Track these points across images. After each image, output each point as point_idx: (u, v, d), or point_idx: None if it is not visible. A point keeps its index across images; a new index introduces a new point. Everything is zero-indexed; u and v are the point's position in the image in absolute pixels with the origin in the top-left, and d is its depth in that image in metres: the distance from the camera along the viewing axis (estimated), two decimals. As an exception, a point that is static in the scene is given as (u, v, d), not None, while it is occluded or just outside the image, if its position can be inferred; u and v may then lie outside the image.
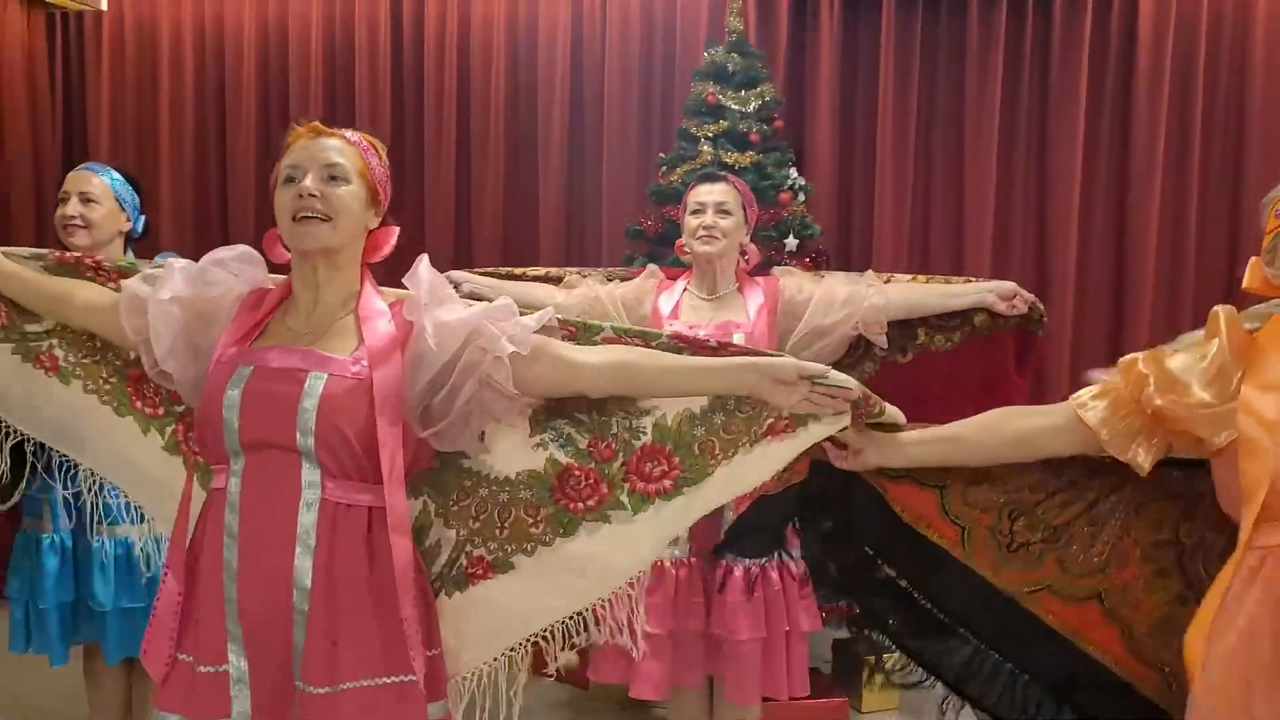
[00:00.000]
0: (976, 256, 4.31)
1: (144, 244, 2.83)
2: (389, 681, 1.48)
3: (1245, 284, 1.69)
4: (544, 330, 1.58)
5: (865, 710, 3.67)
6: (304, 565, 1.48)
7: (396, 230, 1.70)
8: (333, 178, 1.55)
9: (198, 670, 1.52)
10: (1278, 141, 4.17)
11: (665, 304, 2.78)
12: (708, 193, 2.71)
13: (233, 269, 1.67)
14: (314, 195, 1.52)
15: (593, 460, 1.62)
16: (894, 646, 1.83)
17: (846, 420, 1.57)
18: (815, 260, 3.78)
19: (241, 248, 1.68)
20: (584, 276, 3.06)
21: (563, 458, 1.63)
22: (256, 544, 1.50)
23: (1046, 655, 1.71)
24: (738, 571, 2.55)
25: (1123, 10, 4.28)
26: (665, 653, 2.54)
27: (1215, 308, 1.61)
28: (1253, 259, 1.64)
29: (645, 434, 1.62)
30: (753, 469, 1.59)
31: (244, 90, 4.94)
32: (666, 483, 1.60)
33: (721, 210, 2.69)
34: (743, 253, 2.83)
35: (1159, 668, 1.65)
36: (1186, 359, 1.57)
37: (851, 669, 3.69)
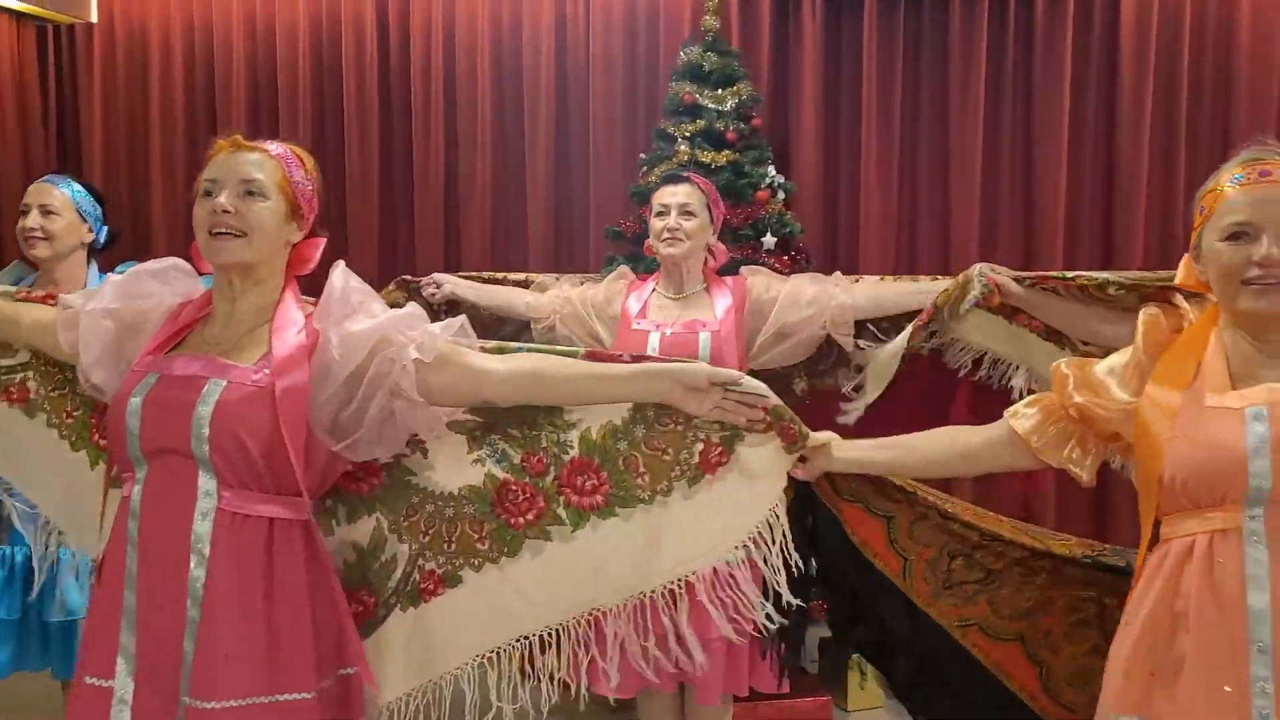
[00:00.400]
0: (963, 252, 4.27)
1: (117, 254, 2.85)
2: (282, 699, 1.47)
3: (1178, 280, 1.68)
4: (457, 339, 1.59)
5: (852, 709, 3.66)
6: (198, 575, 1.48)
7: (322, 242, 1.70)
8: (249, 193, 1.56)
9: (84, 680, 1.52)
10: (1265, 128, 4.11)
11: (634, 304, 2.79)
12: (671, 194, 2.72)
13: (165, 280, 1.68)
14: (228, 211, 1.53)
15: (527, 475, 1.66)
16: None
17: (782, 458, 1.62)
18: (794, 259, 3.77)
19: (173, 260, 1.70)
20: (556, 279, 3.08)
21: (499, 473, 1.66)
22: (153, 552, 1.50)
23: (974, 683, 1.78)
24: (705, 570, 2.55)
25: (1105, 1, 4.25)
26: None
27: (1144, 307, 1.60)
28: (1185, 256, 1.63)
29: (573, 448, 1.65)
30: (700, 527, 1.62)
31: (234, 99, 4.98)
32: (598, 498, 1.63)
33: (685, 212, 2.70)
34: (711, 252, 2.83)
35: (1070, 710, 1.74)
36: (1114, 360, 1.58)
37: (838, 668, 3.67)
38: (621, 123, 4.59)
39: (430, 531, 1.67)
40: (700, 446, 1.61)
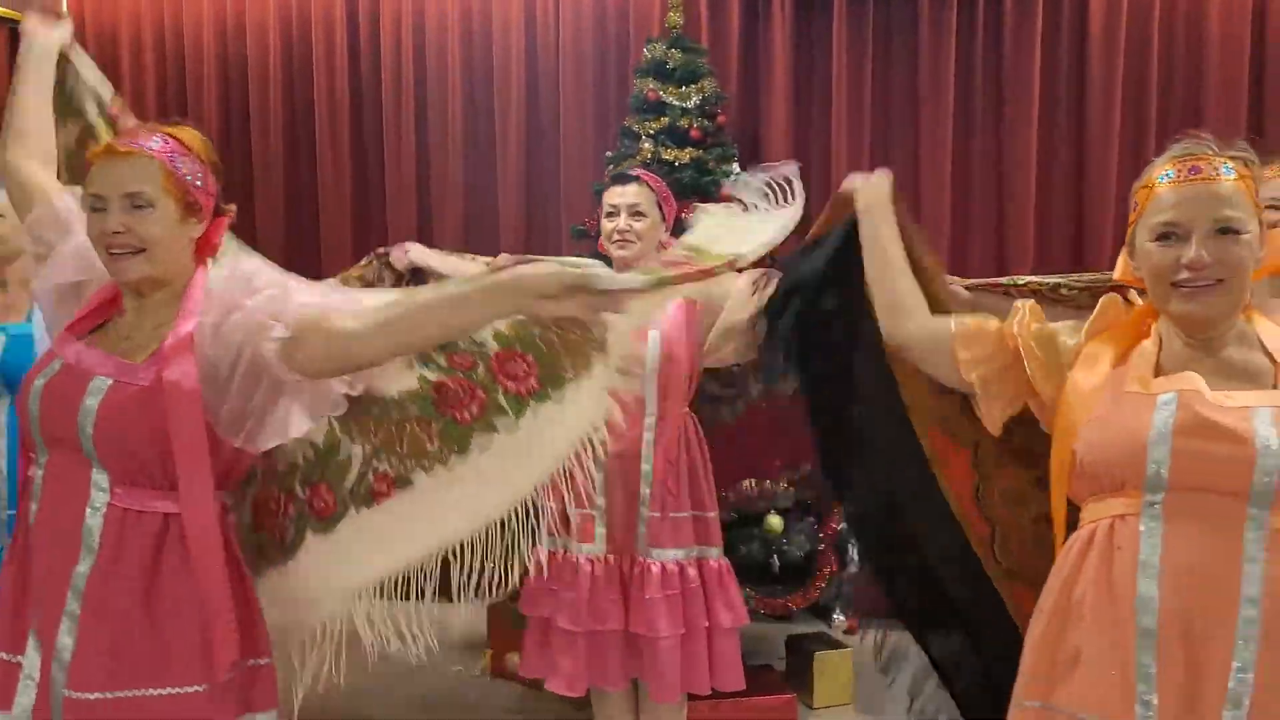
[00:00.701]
0: (934, 246, 4.25)
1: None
2: (166, 693, 1.45)
3: (1116, 275, 1.66)
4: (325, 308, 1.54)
5: (817, 706, 3.65)
6: (82, 570, 1.47)
7: (225, 221, 1.65)
8: (136, 206, 1.51)
9: None
10: (1235, 121, 4.10)
11: None
12: (620, 195, 2.70)
13: None
14: (119, 231, 1.50)
15: (458, 370, 1.67)
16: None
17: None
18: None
19: None
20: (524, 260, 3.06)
21: (431, 375, 1.67)
22: (46, 539, 1.50)
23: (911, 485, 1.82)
24: (655, 568, 2.55)
25: (1075, -9, 4.23)
26: (580, 650, 2.54)
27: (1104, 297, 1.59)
28: (1123, 251, 1.60)
29: (490, 342, 1.66)
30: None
31: (205, 94, 4.99)
32: (532, 381, 1.64)
33: (635, 213, 2.67)
34: (664, 247, 2.81)
35: (991, 523, 1.74)
36: (1072, 324, 1.58)
37: (804, 666, 3.67)
38: (593, 120, 4.59)
39: (379, 433, 1.67)
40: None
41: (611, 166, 3.93)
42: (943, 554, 1.80)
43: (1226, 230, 1.38)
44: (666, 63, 3.89)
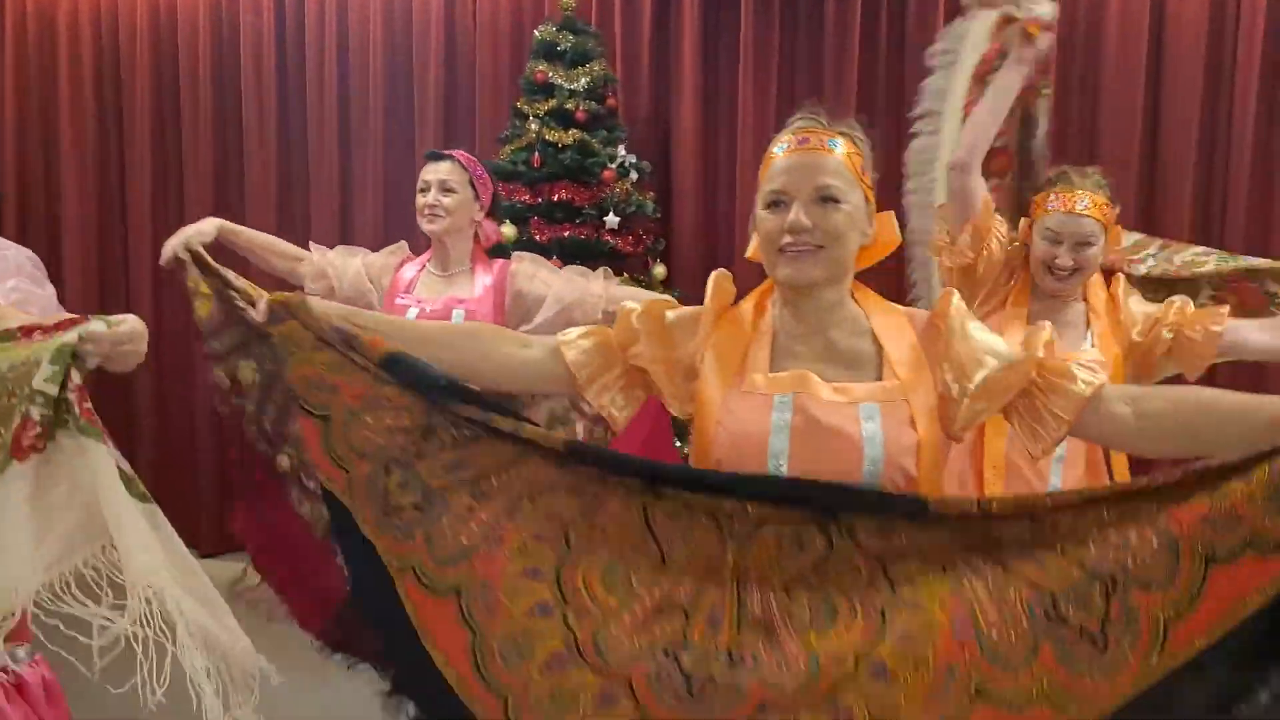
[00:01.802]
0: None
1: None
2: None
3: (749, 253, 1.58)
4: None
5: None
6: None
7: None
8: None
9: None
10: (1129, 135, 4.04)
11: (407, 274, 2.79)
12: (432, 171, 2.73)
13: None
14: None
15: None
16: None
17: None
18: (641, 238, 3.77)
19: None
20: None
21: None
22: None
23: (402, 652, 1.38)
24: None
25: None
26: None
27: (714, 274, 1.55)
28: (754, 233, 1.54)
29: None
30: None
31: (138, 83, 5.09)
32: None
33: (445, 189, 2.70)
34: (480, 231, 2.82)
35: (501, 696, 1.29)
36: (685, 311, 1.52)
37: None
38: (508, 102, 4.60)
39: None
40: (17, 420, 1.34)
41: (508, 148, 3.96)
42: None
43: (828, 198, 1.39)
44: (558, 44, 3.91)
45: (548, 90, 3.87)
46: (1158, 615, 1.15)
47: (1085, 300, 2.33)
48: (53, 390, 1.35)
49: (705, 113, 4.43)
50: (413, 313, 2.65)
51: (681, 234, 4.33)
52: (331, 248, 2.85)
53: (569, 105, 3.82)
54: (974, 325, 1.42)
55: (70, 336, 1.38)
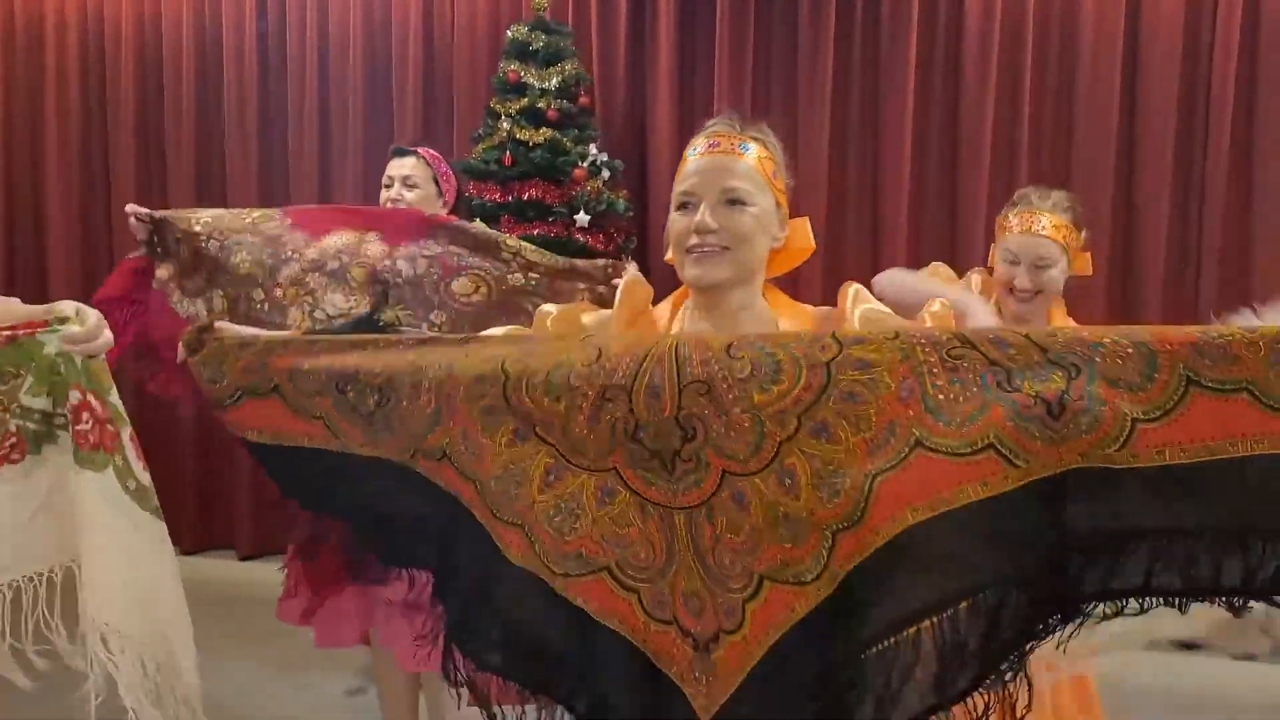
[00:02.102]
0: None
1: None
2: None
3: (667, 257, 1.61)
4: None
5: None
6: None
7: None
8: None
9: None
10: (1105, 127, 4.05)
11: None
12: (396, 167, 2.76)
13: None
14: None
15: None
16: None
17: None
18: (611, 236, 3.78)
19: None
20: None
21: None
22: None
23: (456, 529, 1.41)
24: None
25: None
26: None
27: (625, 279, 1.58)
28: None
29: None
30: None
31: (123, 83, 5.14)
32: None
33: (408, 184, 2.73)
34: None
35: (519, 525, 1.36)
36: (601, 315, 1.55)
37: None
38: (484, 101, 4.62)
39: None
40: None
41: (479, 147, 3.98)
42: None
43: (735, 201, 1.41)
44: (530, 44, 3.93)
45: (520, 89, 3.90)
46: (1124, 411, 1.12)
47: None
48: (41, 405, 1.43)
49: (681, 111, 4.44)
50: None
51: (657, 231, 4.33)
52: None
53: (541, 104, 3.84)
54: (867, 307, 1.42)
55: (50, 349, 1.44)
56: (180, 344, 1.58)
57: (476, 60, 4.63)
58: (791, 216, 1.52)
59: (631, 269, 2.48)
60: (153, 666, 1.41)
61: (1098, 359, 1.14)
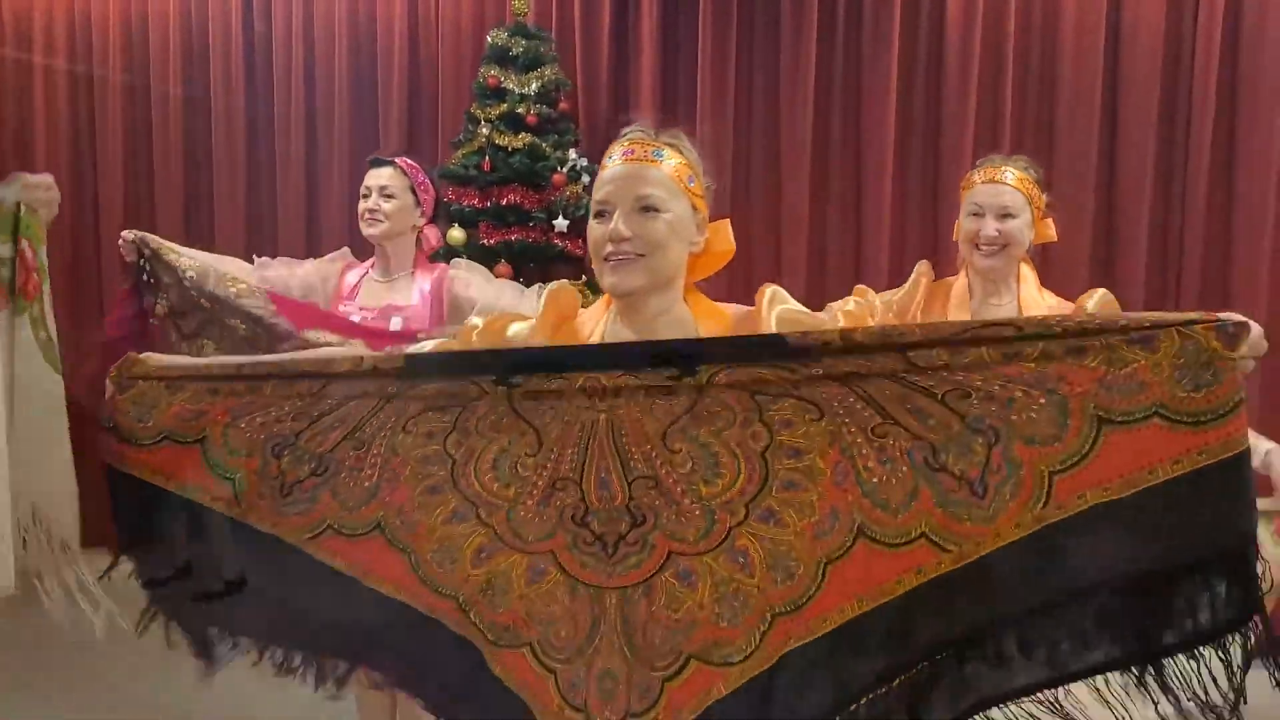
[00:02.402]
0: (792, 243, 4.28)
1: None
2: None
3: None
4: None
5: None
6: None
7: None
8: None
9: None
10: (1088, 125, 4.06)
11: (350, 279, 2.83)
12: (374, 177, 2.76)
13: None
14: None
15: None
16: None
17: None
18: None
19: None
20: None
21: None
22: None
23: (347, 606, 1.45)
24: None
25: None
26: None
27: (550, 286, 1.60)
28: None
29: None
30: None
31: (110, 87, 5.16)
32: None
33: (385, 194, 2.72)
34: (422, 237, 2.86)
35: (453, 595, 1.39)
36: (521, 326, 1.55)
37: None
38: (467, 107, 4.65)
39: None
40: None
41: (459, 153, 4.00)
42: None
43: (648, 208, 1.42)
44: (510, 50, 3.94)
45: (500, 95, 3.91)
46: (1041, 469, 1.17)
47: (1018, 299, 2.36)
48: (9, 254, 1.55)
49: (663, 116, 4.43)
50: (354, 318, 2.70)
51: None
52: (301, 256, 2.95)
53: (520, 109, 3.86)
54: (784, 308, 1.43)
55: (10, 199, 1.57)
56: (108, 379, 1.60)
57: (461, 66, 4.64)
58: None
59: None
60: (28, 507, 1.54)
61: (1013, 417, 1.18)
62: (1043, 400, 1.17)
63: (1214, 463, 1.12)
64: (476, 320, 1.57)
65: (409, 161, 2.83)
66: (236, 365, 1.59)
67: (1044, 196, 2.36)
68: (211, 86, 5.00)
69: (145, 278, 2.68)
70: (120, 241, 2.72)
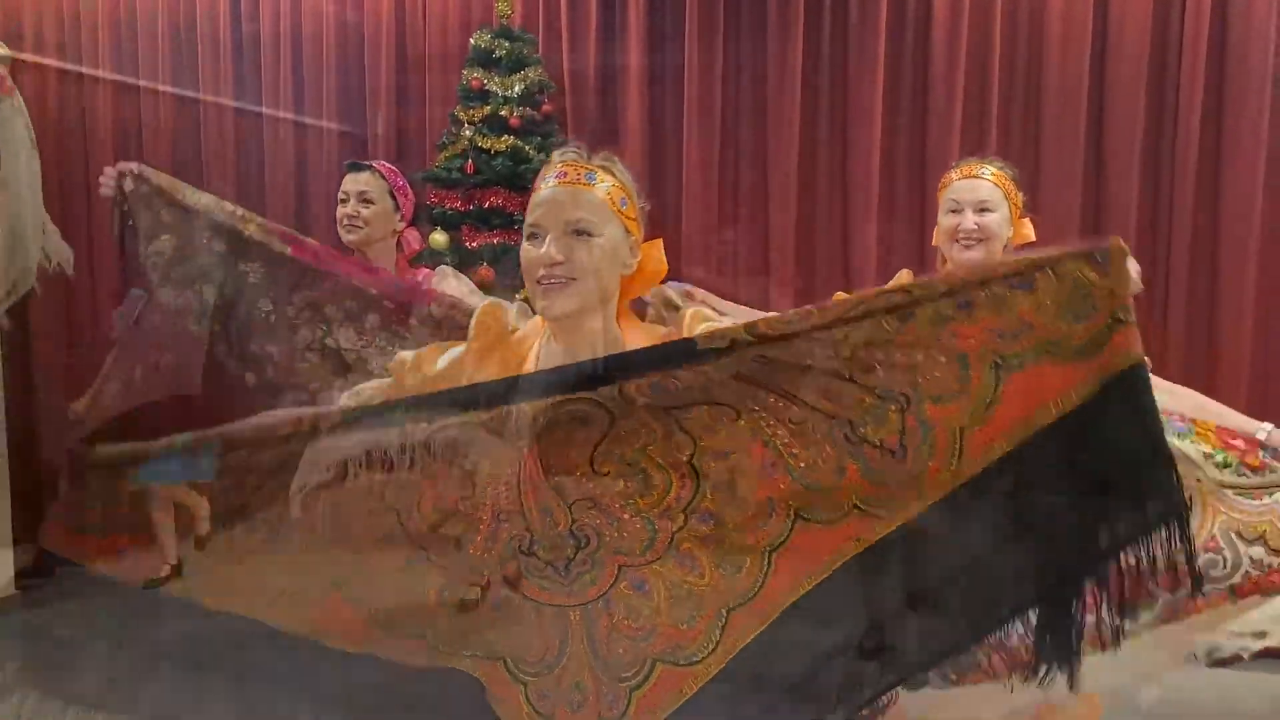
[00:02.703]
0: (781, 240, 4.27)
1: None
2: None
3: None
4: None
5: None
6: None
7: None
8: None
9: None
10: (1074, 124, 4.04)
11: None
12: (351, 182, 2.76)
13: None
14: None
15: None
16: None
17: None
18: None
19: None
20: None
21: None
22: None
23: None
24: None
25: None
26: None
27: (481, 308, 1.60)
28: None
29: None
30: None
31: (100, 86, 5.15)
32: None
33: (364, 199, 2.72)
34: (403, 241, 2.86)
35: (419, 635, 1.45)
36: (453, 352, 1.55)
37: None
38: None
39: None
40: None
41: (442, 155, 3.99)
42: None
43: (580, 232, 1.42)
44: (493, 52, 3.94)
45: (483, 97, 3.90)
46: (953, 425, 1.22)
47: None
48: None
49: (651, 119, 4.44)
50: None
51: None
52: None
53: (503, 112, 3.85)
54: (704, 325, 1.43)
55: None
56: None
57: (448, 68, 4.61)
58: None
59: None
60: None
61: (920, 379, 1.23)
62: (943, 359, 1.22)
63: (1111, 380, 1.18)
64: (407, 355, 1.57)
65: (387, 165, 2.84)
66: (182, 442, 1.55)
67: (1021, 195, 2.37)
68: (199, 86, 4.99)
69: (124, 208, 2.60)
70: (102, 175, 2.60)
